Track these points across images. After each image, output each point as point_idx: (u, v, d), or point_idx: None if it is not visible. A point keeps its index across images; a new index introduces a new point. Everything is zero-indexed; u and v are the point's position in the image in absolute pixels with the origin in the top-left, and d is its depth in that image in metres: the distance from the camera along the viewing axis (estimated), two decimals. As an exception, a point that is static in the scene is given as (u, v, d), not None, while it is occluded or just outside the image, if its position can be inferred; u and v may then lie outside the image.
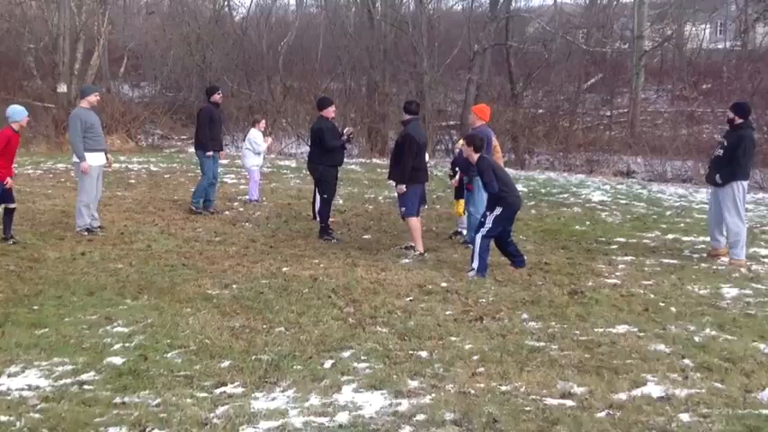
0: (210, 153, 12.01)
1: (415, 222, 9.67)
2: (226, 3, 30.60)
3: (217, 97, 12.36)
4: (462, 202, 10.36)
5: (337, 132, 10.62)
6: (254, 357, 5.73)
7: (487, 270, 8.44)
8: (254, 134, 13.40)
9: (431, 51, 23.96)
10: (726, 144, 9.48)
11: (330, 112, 10.65)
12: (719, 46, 37.88)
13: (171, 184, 15.17)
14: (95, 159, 10.34)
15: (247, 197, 13.36)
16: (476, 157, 8.68)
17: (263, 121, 14.31)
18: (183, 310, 6.93)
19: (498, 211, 8.46)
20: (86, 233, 10.26)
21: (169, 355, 5.79)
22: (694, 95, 26.27)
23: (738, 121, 9.51)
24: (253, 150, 13.34)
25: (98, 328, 6.39)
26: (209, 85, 13.70)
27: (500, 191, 8.42)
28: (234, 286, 7.80)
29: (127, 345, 5.98)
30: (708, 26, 40.40)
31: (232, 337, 6.19)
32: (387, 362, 5.68)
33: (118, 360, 5.65)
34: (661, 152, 20.42)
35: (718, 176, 9.40)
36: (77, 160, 10.28)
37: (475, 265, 8.38)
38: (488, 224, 8.47)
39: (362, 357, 5.78)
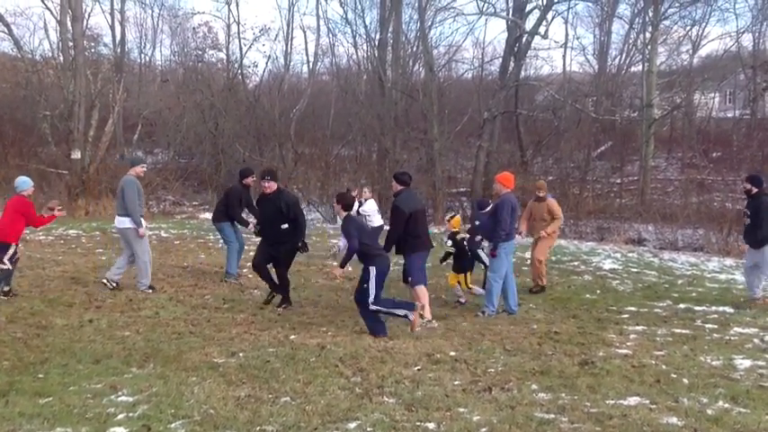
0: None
1: (422, 290, 9.65)
2: (239, 71, 31.16)
3: (249, 180, 12.59)
4: (454, 275, 10.96)
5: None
6: (258, 428, 5.64)
7: (386, 328, 8.74)
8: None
9: (441, 118, 24.23)
10: (749, 213, 10.87)
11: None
12: (729, 114, 38.16)
13: (181, 251, 15.22)
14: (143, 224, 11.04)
15: (340, 246, 14.28)
16: (344, 214, 8.98)
17: (355, 191, 15.34)
18: (188, 378, 6.86)
19: (373, 271, 8.60)
20: (150, 290, 10.90)
21: (173, 425, 5.71)
22: (704, 163, 26.36)
23: (755, 191, 10.89)
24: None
25: (102, 397, 6.32)
26: (244, 167, 13.95)
27: (362, 245, 8.67)
28: (240, 354, 7.73)
29: (131, 414, 5.91)
30: (717, 95, 40.79)
31: (237, 407, 6.11)
32: (393, 434, 5.58)
33: (121, 430, 5.57)
34: (672, 220, 20.40)
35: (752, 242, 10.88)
36: (131, 225, 10.80)
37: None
38: (371, 290, 8.61)
39: (369, 429, 5.68)
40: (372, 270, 8.58)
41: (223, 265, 12.72)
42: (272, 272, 10.35)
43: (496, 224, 9.84)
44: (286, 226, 9.90)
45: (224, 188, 24.54)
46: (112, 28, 37.50)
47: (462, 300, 10.92)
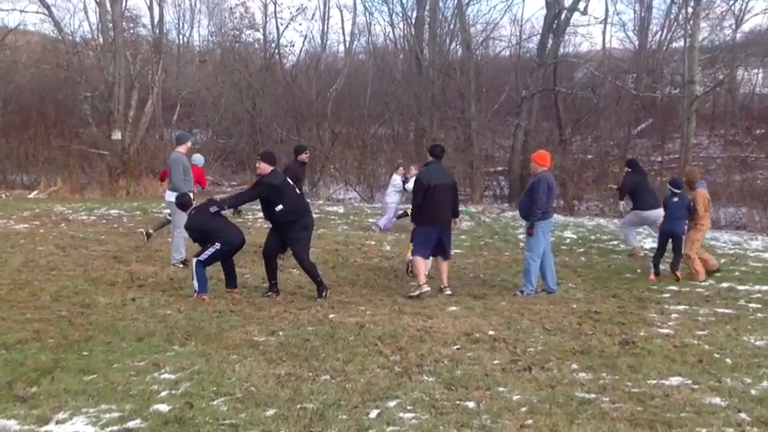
0: None
1: (418, 261, 9.83)
2: (276, 50, 31.20)
3: (304, 156, 12.95)
4: None
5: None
6: (299, 406, 5.69)
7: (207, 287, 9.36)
8: (396, 178, 15.69)
9: (478, 97, 24.07)
10: None
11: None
12: (773, 90, 37.30)
13: (220, 230, 15.32)
14: None
15: (379, 225, 15.69)
16: (268, 170, 9.51)
17: (402, 168, 16.19)
18: (229, 356, 6.93)
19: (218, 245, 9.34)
20: (181, 265, 11.23)
21: (215, 402, 5.78)
22: (747, 141, 25.88)
23: None
24: (395, 189, 15.60)
25: (146, 374, 6.42)
26: (298, 144, 14.39)
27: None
28: (280, 333, 7.79)
29: (173, 392, 5.99)
30: (761, 70, 39.86)
31: (278, 384, 6.16)
32: (433, 412, 5.59)
33: (164, 407, 5.65)
34: (714, 198, 20.03)
35: None
36: (174, 199, 10.91)
37: (196, 286, 9.30)
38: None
39: (408, 407, 5.69)
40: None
41: (261, 245, 12.81)
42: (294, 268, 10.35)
43: (532, 203, 9.77)
44: (281, 207, 9.45)
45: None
46: (151, 9, 37.80)
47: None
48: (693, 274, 11.15)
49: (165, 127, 30.88)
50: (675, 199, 11.26)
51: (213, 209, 9.49)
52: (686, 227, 11.23)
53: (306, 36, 50.32)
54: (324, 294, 9.51)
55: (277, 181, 9.52)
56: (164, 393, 5.95)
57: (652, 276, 11.25)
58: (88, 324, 8.06)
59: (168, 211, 12.14)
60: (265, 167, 9.61)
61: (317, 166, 24.36)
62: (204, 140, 29.79)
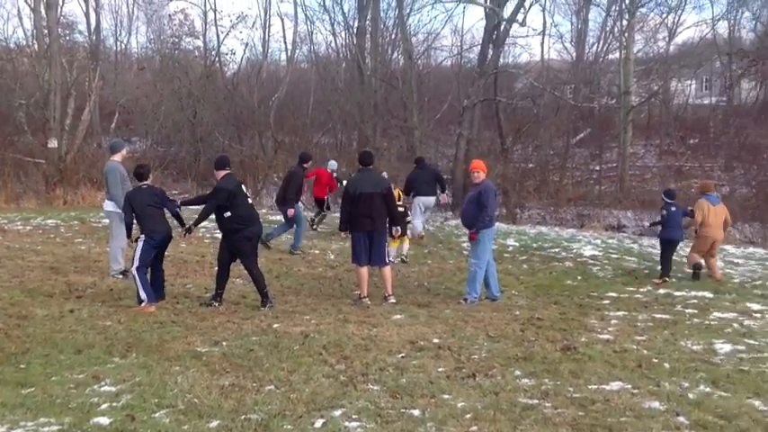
0: (292, 210, 13.59)
1: (357, 270, 9.97)
2: (217, 58, 30.96)
3: (309, 164, 14.43)
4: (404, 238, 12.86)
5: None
6: (243, 417, 5.63)
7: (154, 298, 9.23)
8: None
9: (421, 106, 24.23)
10: None
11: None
12: (705, 101, 38.48)
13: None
14: None
15: None
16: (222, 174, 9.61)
17: None
18: (171, 368, 6.83)
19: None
20: (121, 276, 10.95)
21: (157, 415, 5.68)
22: (682, 150, 26.57)
23: None
24: None
25: (85, 387, 6.28)
26: (303, 151, 15.49)
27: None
28: (224, 343, 7.71)
29: (114, 404, 5.87)
30: (693, 82, 41.08)
31: (221, 396, 6.09)
32: (378, 421, 5.59)
33: (104, 420, 5.54)
34: (650, 206, 20.54)
35: None
36: (112, 209, 10.90)
37: (143, 295, 9.13)
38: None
39: (354, 416, 5.69)
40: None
41: (204, 254, 12.75)
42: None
43: (483, 210, 9.86)
44: (228, 214, 9.38)
45: (203, 177, 24.53)
46: (87, 15, 37.20)
47: (393, 260, 12.40)
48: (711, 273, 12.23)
49: (102, 135, 30.26)
50: (673, 209, 12.20)
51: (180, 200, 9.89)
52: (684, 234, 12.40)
53: (247, 44, 49.96)
54: (268, 304, 9.44)
55: (231, 185, 9.44)
56: (104, 406, 5.83)
57: (658, 281, 11.85)
58: (25, 336, 7.85)
59: (108, 220, 11.92)
60: (220, 172, 9.59)
61: (259, 175, 24.19)
62: (143, 149, 29.32)
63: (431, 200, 15.53)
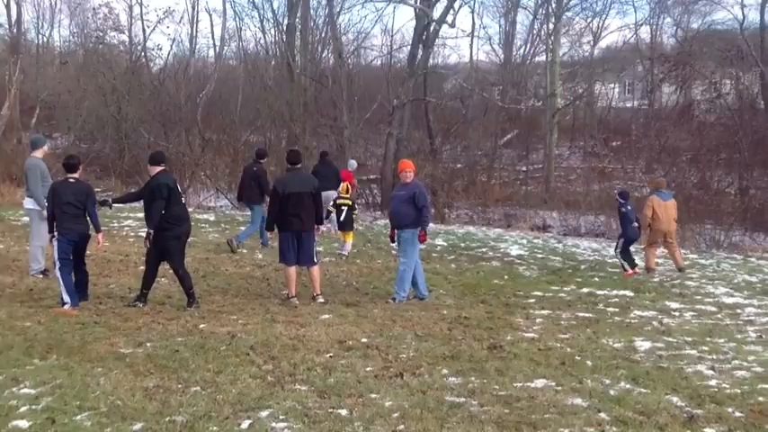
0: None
1: (285, 270, 9.92)
2: (143, 53, 30.36)
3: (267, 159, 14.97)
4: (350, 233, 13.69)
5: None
6: (167, 419, 5.53)
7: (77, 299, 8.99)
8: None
9: (351, 105, 24.20)
10: None
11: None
12: (628, 104, 39.48)
13: (84, 238, 14.72)
14: None
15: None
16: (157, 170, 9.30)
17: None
18: (93, 369, 6.67)
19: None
20: (41, 275, 10.63)
21: (78, 417, 5.54)
22: (605, 152, 27.19)
23: None
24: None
25: (3, 389, 6.08)
26: (260, 148, 16.27)
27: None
28: (148, 344, 7.56)
29: (34, 407, 5.70)
30: (617, 85, 42.12)
31: (145, 397, 5.98)
32: (306, 421, 5.57)
33: (24, 424, 5.38)
34: (575, 207, 21.02)
35: None
36: (32, 207, 10.64)
37: (66, 298, 8.89)
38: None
39: (281, 417, 5.65)
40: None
41: (128, 254, 12.51)
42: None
43: (423, 209, 9.92)
44: (162, 212, 9.16)
45: (127, 174, 24.04)
46: (8, 7, 36.03)
47: (345, 253, 13.51)
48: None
49: (23, 131, 29.33)
50: (625, 208, 13.15)
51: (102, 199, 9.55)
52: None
53: (174, 39, 49.21)
54: (194, 304, 9.30)
55: (170, 182, 9.27)
56: (23, 409, 5.66)
57: (630, 272, 12.79)
58: (-62, 339, 7.57)
59: (27, 218, 11.59)
60: (155, 168, 9.34)
61: (186, 173, 23.81)
62: (65, 145, 28.52)
63: (330, 194, 14.80)
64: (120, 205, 10.11)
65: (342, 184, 14.38)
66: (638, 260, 13.19)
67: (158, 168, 9.33)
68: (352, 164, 18.49)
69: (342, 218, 13.53)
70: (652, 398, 6.26)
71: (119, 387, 6.19)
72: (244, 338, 7.82)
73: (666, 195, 13.43)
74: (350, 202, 13.65)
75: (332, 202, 13.79)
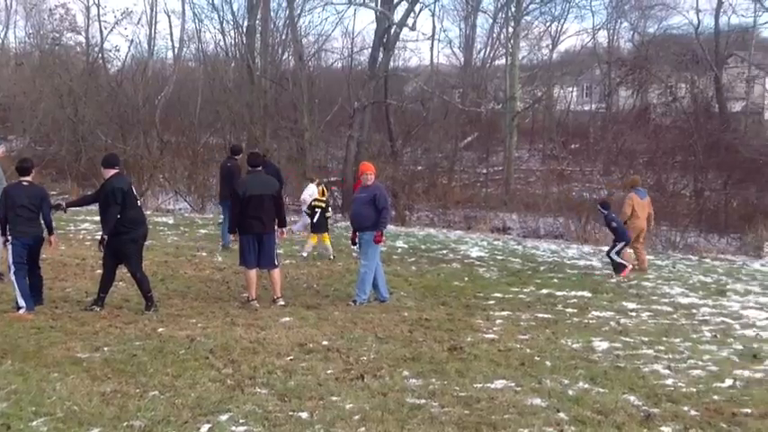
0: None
1: (246, 273, 9.86)
2: (100, 55, 29.95)
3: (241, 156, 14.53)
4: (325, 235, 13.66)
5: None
6: (125, 424, 5.47)
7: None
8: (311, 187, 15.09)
9: (311, 108, 24.13)
10: None
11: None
12: (586, 108, 39.95)
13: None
14: None
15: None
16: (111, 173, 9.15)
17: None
18: (49, 375, 6.56)
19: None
20: None
21: (34, 423, 5.46)
22: (563, 155, 27.46)
23: None
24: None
25: (-45, 397, 5.97)
26: (235, 144, 16.22)
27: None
28: (105, 349, 7.46)
29: (-13, 414, 5.60)
30: (575, 89, 42.59)
31: (102, 402, 5.90)
32: (266, 424, 5.55)
33: (-24, 431, 5.28)
34: (534, 209, 21.18)
35: None
36: None
37: (21, 302, 8.75)
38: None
39: (241, 420, 5.62)
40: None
41: (85, 257, 12.34)
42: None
43: (383, 211, 9.94)
44: (118, 216, 9.04)
45: (84, 177, 23.67)
46: (-39, 8, 35.24)
47: (305, 254, 13.67)
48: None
49: (-24, 132, 28.79)
50: (611, 216, 13.27)
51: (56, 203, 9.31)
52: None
53: (132, 41, 48.50)
54: (152, 308, 9.19)
55: (125, 185, 9.13)
56: (-24, 417, 5.55)
57: (627, 270, 12.97)
58: None
59: None
60: (109, 171, 9.18)
61: (144, 176, 23.53)
62: (21, 147, 27.99)
63: None
64: (77, 208, 9.93)
65: (319, 187, 14.44)
66: (595, 261, 13.35)
67: (112, 171, 9.20)
68: None
69: (315, 220, 13.57)
70: (609, 397, 6.34)
71: (75, 392, 6.11)
72: (203, 342, 7.76)
73: (643, 193, 13.84)
74: (324, 205, 13.72)
75: (306, 205, 13.93)
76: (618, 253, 13.07)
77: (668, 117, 28.23)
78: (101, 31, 31.97)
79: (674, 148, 24.11)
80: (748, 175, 22.73)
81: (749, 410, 6.12)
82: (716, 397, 6.48)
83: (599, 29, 38.60)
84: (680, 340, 8.58)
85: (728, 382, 6.96)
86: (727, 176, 22.93)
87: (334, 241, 15.90)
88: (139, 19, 53.62)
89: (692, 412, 6.04)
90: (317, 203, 13.72)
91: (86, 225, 16.43)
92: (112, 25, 33.76)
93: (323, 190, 14.27)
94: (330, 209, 14.52)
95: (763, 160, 22.38)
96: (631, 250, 13.51)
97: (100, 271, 9.76)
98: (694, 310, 10.35)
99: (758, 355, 7.99)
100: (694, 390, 6.66)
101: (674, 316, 9.99)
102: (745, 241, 18.42)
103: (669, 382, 6.91)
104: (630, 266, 13.05)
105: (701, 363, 7.62)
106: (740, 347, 8.32)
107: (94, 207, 10.34)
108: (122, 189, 9.01)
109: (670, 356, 7.84)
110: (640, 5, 37.23)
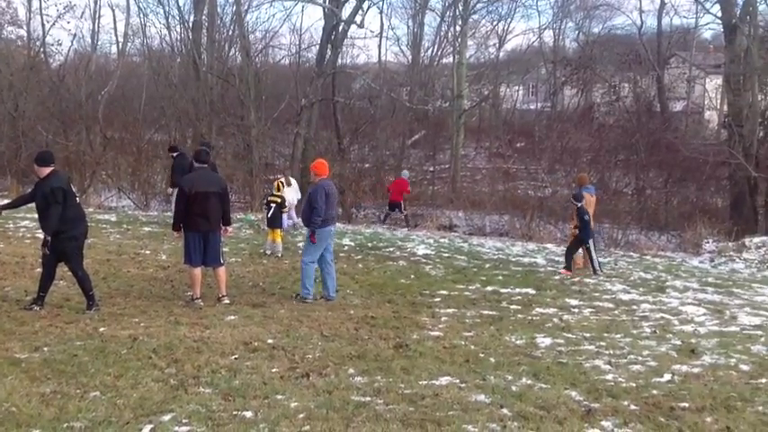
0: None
1: (190, 271, 9.78)
2: (42, 49, 29.30)
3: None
4: (277, 232, 13.75)
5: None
6: (65, 425, 5.37)
7: None
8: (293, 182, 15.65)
9: (258, 104, 23.95)
10: None
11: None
12: (532, 106, 40.46)
13: (-24, 240, 14.13)
14: None
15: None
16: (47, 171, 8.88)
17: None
18: (-14, 376, 6.41)
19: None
20: None
21: (-31, 427, 5.33)
22: (509, 153, 27.74)
23: None
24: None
25: None
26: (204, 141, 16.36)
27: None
28: (45, 349, 7.31)
29: None
30: (521, 88, 43.09)
31: (42, 403, 5.78)
32: (210, 424, 5.50)
33: None
34: (480, 207, 21.39)
35: None
36: None
37: None
38: None
39: (184, 420, 5.56)
40: None
41: (24, 255, 12.08)
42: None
43: (312, 211, 9.92)
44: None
45: (24, 173, 23.13)
46: None
47: (268, 251, 13.71)
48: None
49: None
50: (583, 210, 13.36)
51: None
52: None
53: (75, 35, 47.60)
54: (94, 307, 9.04)
55: (64, 184, 8.91)
56: None
57: (569, 271, 13.32)
58: None
59: None
60: (44, 169, 8.92)
61: (87, 173, 23.11)
62: (-42, 143, 27.27)
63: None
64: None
65: (275, 182, 14.77)
66: (539, 258, 13.52)
67: (48, 169, 8.92)
68: (405, 174, 21.42)
69: (269, 214, 13.71)
70: (552, 393, 6.44)
71: (14, 393, 5.97)
72: (146, 341, 7.66)
73: (592, 191, 14.26)
74: (279, 200, 13.82)
75: (264, 200, 14.13)
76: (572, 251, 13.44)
77: (612, 116, 28.75)
78: (43, 25, 31.25)
79: (617, 147, 24.56)
80: (688, 174, 23.26)
81: (686, 404, 6.27)
82: (655, 392, 6.62)
83: (545, 28, 39.29)
84: (621, 336, 8.75)
85: (667, 376, 7.13)
86: (668, 175, 23.44)
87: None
88: (83, 13, 52.84)
89: (632, 407, 6.16)
90: (272, 198, 13.85)
91: (26, 222, 16.06)
92: (55, 19, 33.16)
93: (278, 185, 14.46)
94: (287, 204, 14.66)
95: (703, 159, 22.91)
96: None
97: (40, 269, 9.54)
98: (635, 307, 10.57)
99: (696, 350, 8.19)
100: (634, 384, 6.80)
101: (616, 312, 10.18)
102: (684, 239, 18.86)
103: (610, 377, 7.04)
104: (569, 272, 13.29)
105: (640, 358, 7.79)
106: (678, 343, 8.52)
107: (33, 204, 10.13)
108: (62, 188, 8.80)
109: (611, 352, 7.99)
110: (585, 6, 37.88)
